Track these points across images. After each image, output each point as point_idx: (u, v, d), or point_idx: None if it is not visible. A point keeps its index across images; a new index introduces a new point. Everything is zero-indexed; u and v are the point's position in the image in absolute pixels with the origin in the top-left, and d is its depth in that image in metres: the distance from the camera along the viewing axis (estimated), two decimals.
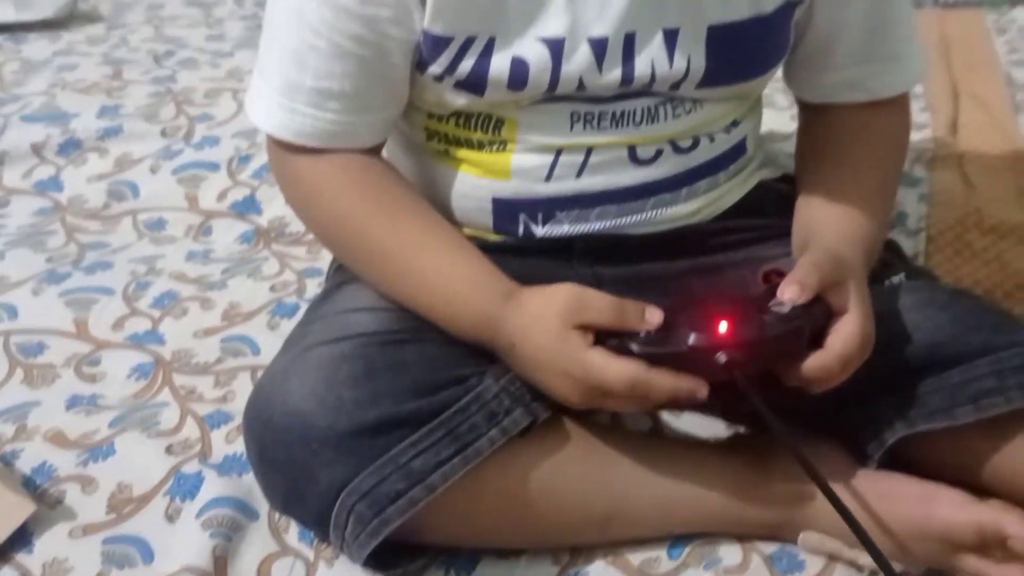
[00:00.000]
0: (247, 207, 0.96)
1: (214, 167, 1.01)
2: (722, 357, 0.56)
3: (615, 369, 0.55)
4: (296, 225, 0.93)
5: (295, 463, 0.57)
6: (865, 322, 0.57)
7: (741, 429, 0.71)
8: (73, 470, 0.69)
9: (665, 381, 0.55)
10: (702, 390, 0.55)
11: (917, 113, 1.07)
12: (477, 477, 0.58)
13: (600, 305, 0.57)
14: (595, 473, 0.62)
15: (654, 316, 0.57)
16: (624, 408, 0.59)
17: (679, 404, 0.63)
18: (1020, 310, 0.80)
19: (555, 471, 0.61)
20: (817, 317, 0.58)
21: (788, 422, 0.63)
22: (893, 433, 0.62)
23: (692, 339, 0.56)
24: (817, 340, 0.58)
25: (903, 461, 0.63)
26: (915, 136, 1.02)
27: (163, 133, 1.05)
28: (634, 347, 0.56)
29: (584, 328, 0.57)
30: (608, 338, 0.57)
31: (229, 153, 1.01)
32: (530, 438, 0.61)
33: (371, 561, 0.60)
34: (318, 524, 0.58)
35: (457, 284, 0.62)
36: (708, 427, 0.71)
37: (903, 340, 0.64)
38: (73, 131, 1.05)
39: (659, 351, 0.56)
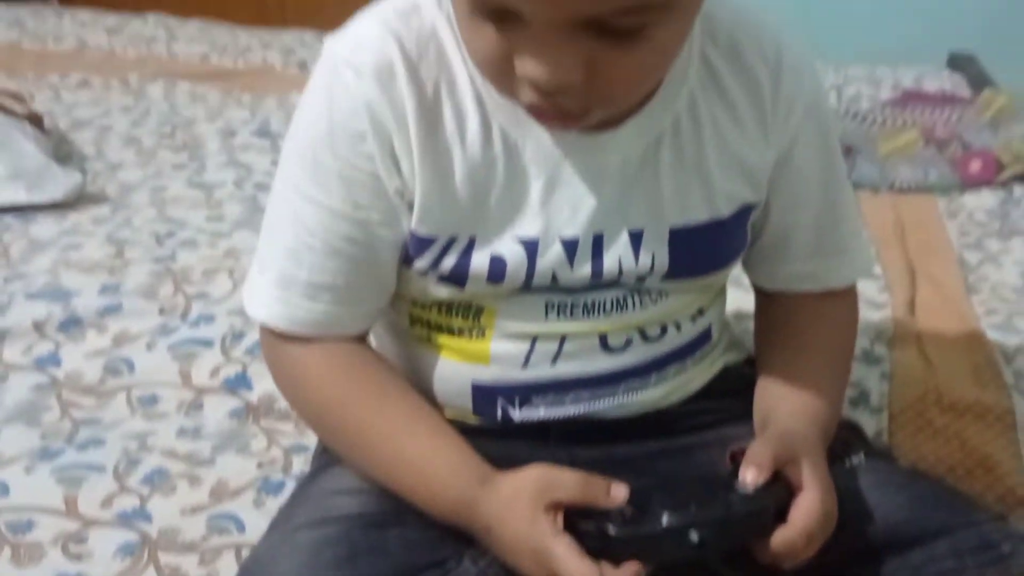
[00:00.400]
0: (238, 383, 1.00)
1: (208, 344, 1.05)
2: (695, 536, 0.59)
3: (575, 565, 0.57)
4: (284, 401, 0.96)
5: None
6: (824, 496, 0.60)
7: None
8: None
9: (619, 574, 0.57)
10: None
11: (877, 293, 1.14)
12: None
13: (568, 483, 0.60)
14: None
15: (619, 492, 0.60)
16: None
17: None
18: (980, 488, 0.83)
19: None
20: (779, 495, 0.61)
21: None
22: None
23: (665, 519, 0.59)
24: (782, 516, 0.61)
25: None
26: (875, 316, 1.08)
27: (161, 311, 1.10)
28: (611, 529, 0.59)
29: (556, 507, 0.59)
30: (584, 520, 0.60)
31: (223, 330, 1.06)
32: None
33: None
34: None
35: (437, 469, 0.65)
36: None
37: (865, 519, 0.67)
38: (74, 308, 1.10)
39: (635, 532, 0.59)
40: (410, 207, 0.65)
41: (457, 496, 0.63)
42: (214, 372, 1.01)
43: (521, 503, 0.60)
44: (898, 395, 0.94)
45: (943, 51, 1.89)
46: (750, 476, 0.60)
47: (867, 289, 1.14)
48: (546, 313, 0.69)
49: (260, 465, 0.89)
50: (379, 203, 0.65)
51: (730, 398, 0.75)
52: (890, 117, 1.49)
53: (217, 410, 0.97)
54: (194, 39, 2.11)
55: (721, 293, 0.79)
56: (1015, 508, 0.82)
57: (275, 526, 0.66)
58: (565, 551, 0.57)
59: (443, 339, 0.71)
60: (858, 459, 0.72)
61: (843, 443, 0.74)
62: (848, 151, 1.40)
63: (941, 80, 1.72)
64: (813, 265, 0.75)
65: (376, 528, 0.63)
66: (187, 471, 0.88)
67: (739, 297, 0.84)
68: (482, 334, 0.70)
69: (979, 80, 1.70)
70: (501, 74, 0.57)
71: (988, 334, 1.04)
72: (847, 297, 0.77)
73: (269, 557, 0.62)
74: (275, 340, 0.70)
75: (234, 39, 2.11)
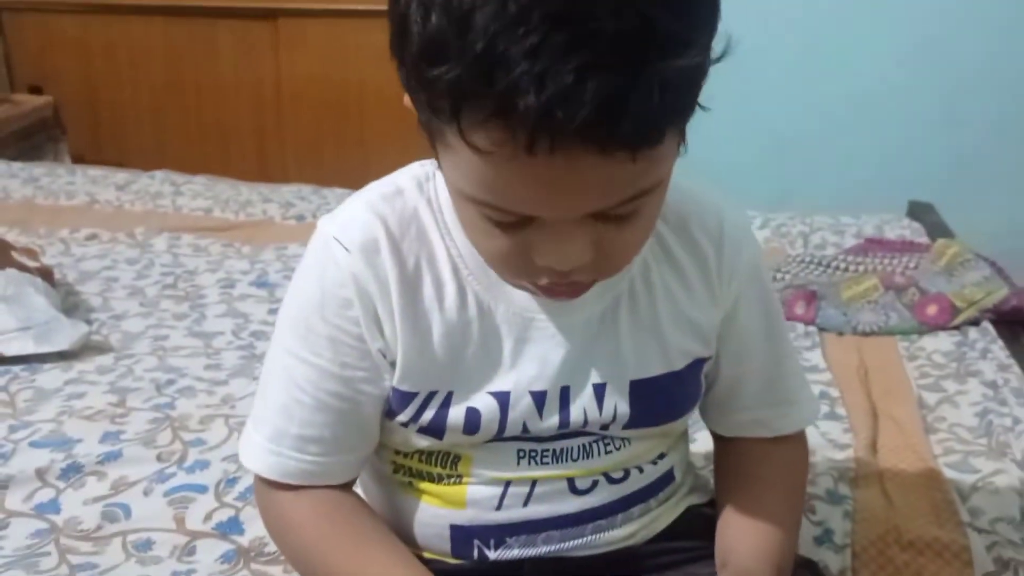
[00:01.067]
0: (230, 527, 1.04)
1: (203, 489, 1.09)
2: None
3: None
4: (274, 545, 1.00)
5: None
6: None
7: None
8: None
9: None
10: None
11: (841, 434, 1.19)
12: None
13: None
14: None
15: None
16: None
17: None
18: None
19: None
20: None
21: None
22: None
23: None
24: None
25: None
26: (838, 456, 1.14)
27: (159, 458, 1.15)
28: None
29: None
30: None
31: (217, 476, 1.11)
32: None
33: None
34: None
35: None
36: None
37: None
38: (75, 456, 1.14)
39: None
40: (392, 365, 0.72)
41: None
42: (207, 517, 1.05)
43: None
44: (861, 533, 0.99)
45: (904, 200, 2.01)
46: None
47: (832, 430, 1.20)
48: (518, 460, 0.75)
49: None
50: (364, 362, 0.72)
51: (694, 538, 0.80)
52: (852, 264, 1.59)
53: (209, 554, 1.00)
54: (198, 194, 2.23)
55: (682, 438, 0.85)
56: None
57: None
58: None
59: (423, 485, 0.77)
60: None
61: None
62: (813, 296, 1.49)
63: (901, 228, 1.82)
64: (763, 413, 0.82)
65: None
66: None
67: (709, 441, 0.90)
68: (459, 480, 0.76)
69: (936, 227, 1.81)
70: (516, 267, 0.65)
71: (945, 473, 1.09)
72: (797, 441, 0.84)
73: None
74: (267, 488, 0.76)
75: (236, 193, 2.23)
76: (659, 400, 0.76)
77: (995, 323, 1.42)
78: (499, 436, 0.74)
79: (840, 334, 1.45)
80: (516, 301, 0.73)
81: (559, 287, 0.66)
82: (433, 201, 0.73)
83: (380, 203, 0.73)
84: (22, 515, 1.06)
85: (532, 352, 0.73)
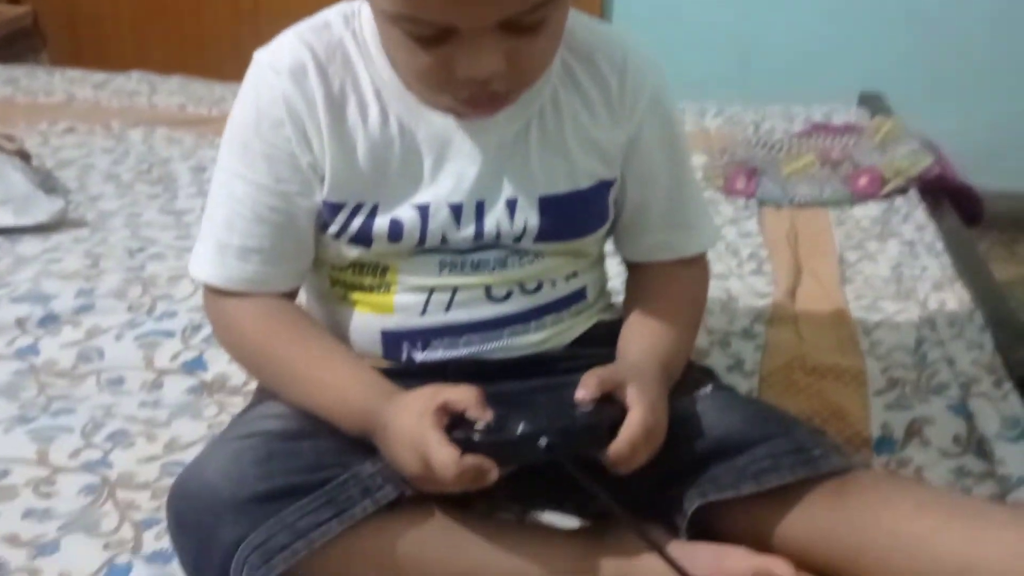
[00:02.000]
0: (195, 366, 1.13)
1: (170, 334, 1.18)
2: (543, 442, 0.73)
3: (445, 452, 0.71)
4: (237, 379, 1.09)
5: (203, 526, 0.72)
6: (646, 415, 0.74)
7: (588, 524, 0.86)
8: (23, 563, 0.82)
9: (473, 461, 0.71)
10: (493, 472, 0.71)
11: (764, 286, 1.29)
12: (352, 539, 0.72)
13: (455, 390, 0.74)
14: (453, 546, 0.76)
15: (489, 413, 0.74)
16: (446, 487, 0.73)
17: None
18: (833, 432, 0.96)
19: (419, 541, 0.75)
20: (613, 413, 0.75)
21: (619, 505, 0.79)
22: (691, 504, 0.77)
23: (520, 428, 0.73)
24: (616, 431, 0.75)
25: (708, 534, 0.78)
26: (759, 303, 1.23)
27: (129, 308, 1.24)
28: (476, 436, 0.73)
29: (442, 409, 0.73)
30: (456, 430, 0.73)
31: (184, 323, 1.19)
32: (400, 513, 0.75)
33: None
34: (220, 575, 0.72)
35: (352, 390, 0.79)
36: (565, 523, 0.86)
37: (702, 436, 0.80)
38: (52, 308, 1.23)
39: (494, 439, 0.73)
40: (322, 180, 0.80)
41: (366, 407, 0.77)
42: (174, 357, 1.15)
43: (415, 402, 0.74)
44: (769, 362, 1.08)
45: (856, 91, 2.07)
46: (579, 394, 0.74)
47: (756, 283, 1.29)
48: (440, 270, 0.83)
49: (211, 427, 1.01)
50: (296, 176, 0.80)
51: (601, 347, 0.89)
52: (795, 145, 1.66)
53: (175, 387, 1.10)
54: (173, 92, 2.28)
55: (597, 265, 0.93)
56: (861, 447, 0.96)
57: (210, 443, 0.80)
58: (439, 441, 0.71)
59: (356, 295, 0.86)
60: (705, 391, 0.86)
61: (695, 381, 0.88)
62: (754, 172, 1.57)
63: (848, 115, 1.89)
64: (666, 236, 0.90)
65: (292, 439, 0.77)
66: (145, 430, 1.01)
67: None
68: (387, 289, 0.84)
69: (883, 114, 1.88)
70: (438, 83, 0.73)
71: (853, 314, 1.18)
72: (698, 264, 0.92)
73: (201, 459, 0.76)
74: (214, 297, 0.85)
75: (210, 91, 2.28)
76: (566, 217, 0.85)
77: (921, 191, 1.50)
78: (421, 246, 0.82)
79: (778, 207, 1.53)
80: (435, 123, 0.80)
81: (480, 99, 0.74)
82: (358, 34, 0.80)
83: (308, 33, 0.80)
84: (4, 358, 1.15)
85: (450, 169, 0.81)
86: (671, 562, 0.71)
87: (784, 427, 0.81)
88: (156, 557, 0.82)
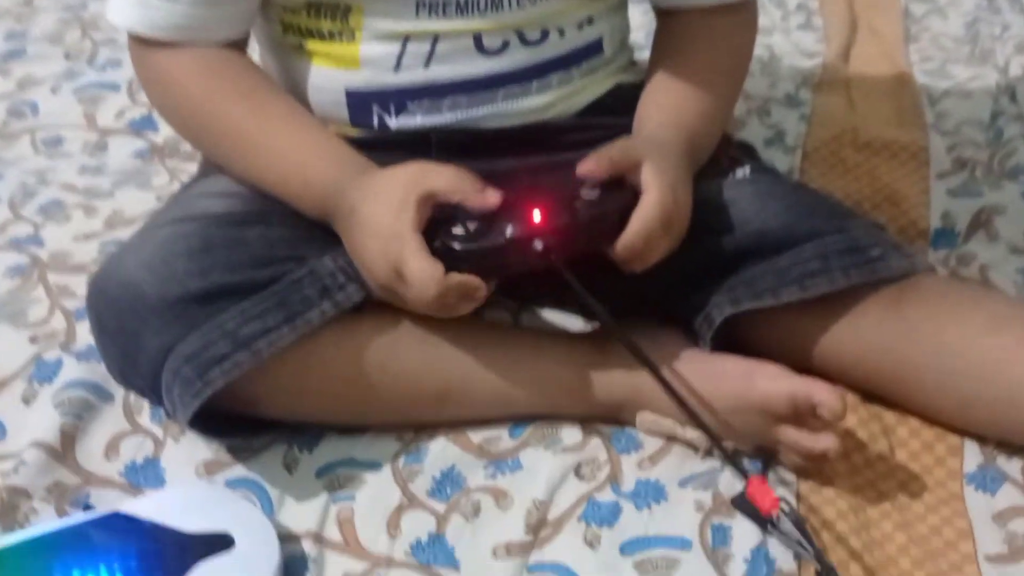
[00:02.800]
0: (144, 125, 0.97)
1: (115, 88, 1.02)
2: (539, 244, 0.58)
3: (424, 263, 0.57)
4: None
5: (126, 331, 0.59)
6: (664, 199, 0.59)
7: (595, 325, 0.74)
8: None
9: (459, 279, 0.58)
10: (481, 291, 0.58)
11: (813, 43, 1.09)
12: (310, 350, 0.60)
13: (444, 174, 0.59)
14: (430, 352, 0.64)
15: (493, 196, 0.59)
16: (414, 305, 0.60)
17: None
18: (885, 220, 0.82)
19: (389, 349, 0.63)
20: (622, 200, 0.60)
21: (630, 310, 0.66)
22: (721, 313, 0.64)
23: (509, 231, 0.58)
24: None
25: (737, 345, 0.65)
26: (806, 63, 1.05)
27: (67, 56, 1.06)
28: (456, 245, 0.58)
29: (426, 200, 0.58)
30: (435, 239, 0.59)
31: (130, 75, 1.02)
32: (365, 317, 0.62)
33: (213, 431, 0.62)
34: (151, 391, 0.60)
35: (314, 158, 0.64)
36: (567, 323, 0.74)
37: (738, 228, 0.66)
38: None
39: (480, 246, 0.58)
40: None
41: (329, 180, 0.62)
42: (119, 114, 0.99)
43: (393, 188, 0.59)
44: (815, 135, 0.92)
45: None
46: (582, 168, 0.59)
47: (803, 40, 1.10)
48: (416, 11, 0.65)
49: (159, 198, 0.87)
50: None
51: (620, 116, 0.73)
52: None
53: (121, 150, 0.95)
54: None
55: (618, 9, 0.75)
56: (916, 239, 0.82)
57: (138, 229, 0.66)
58: (418, 249, 0.57)
59: (314, 45, 0.68)
60: (742, 173, 0.71)
61: (731, 160, 0.72)
62: None
63: None
64: None
65: (236, 226, 0.63)
66: (84, 202, 0.87)
67: None
68: (352, 36, 0.67)
69: None
70: None
71: (919, 80, 1.00)
72: (741, 15, 0.73)
73: (124, 250, 0.62)
74: (142, 50, 0.68)
75: None
76: None
77: None
78: None
79: None
80: None
81: None
82: None
83: None
84: None
85: None
86: (666, 385, 0.59)
87: (837, 221, 0.66)
88: (91, 354, 0.70)
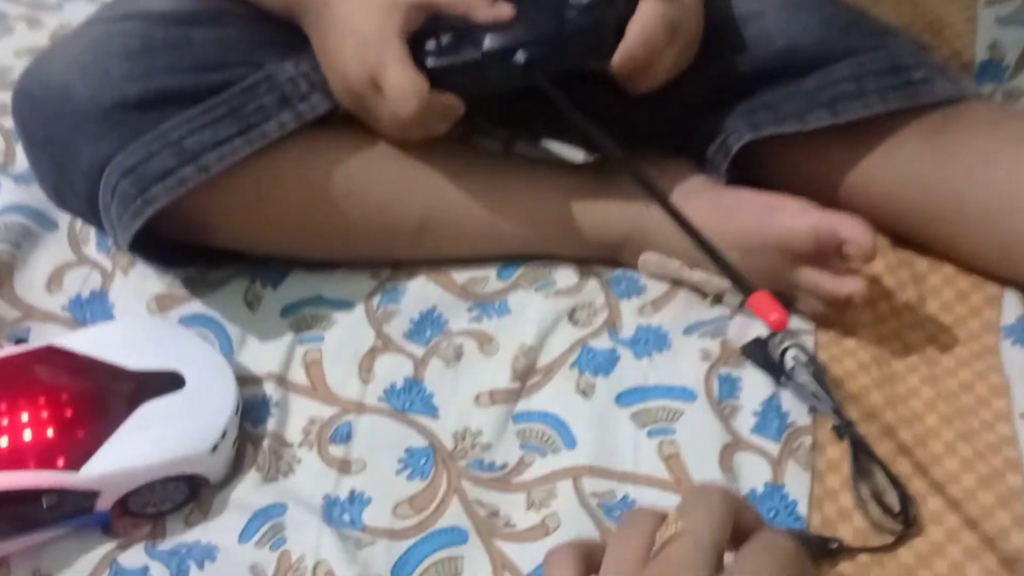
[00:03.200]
0: None
1: None
2: (521, 57, 0.50)
3: (408, 77, 0.49)
4: None
5: (57, 141, 0.51)
6: (668, 4, 0.51)
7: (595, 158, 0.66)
8: None
9: (445, 100, 0.51)
10: (459, 110, 0.52)
11: None
12: (267, 168, 0.53)
13: None
14: (408, 176, 0.56)
15: (506, 8, 0.51)
16: (385, 121, 0.53)
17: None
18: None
19: (361, 171, 0.55)
20: (621, 7, 0.51)
21: (636, 140, 0.58)
22: (739, 139, 0.56)
23: (487, 42, 0.50)
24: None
25: (756, 178, 0.58)
26: None
27: None
28: (430, 61, 0.51)
29: (418, 9, 0.50)
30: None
31: None
32: (331, 132, 0.54)
33: (162, 260, 0.56)
34: (88, 209, 0.53)
35: None
36: (565, 154, 0.66)
37: (761, 43, 0.57)
38: None
39: (453, 61, 0.51)
40: None
41: None
42: None
43: None
44: None
45: None
46: None
47: None
48: None
49: None
50: None
51: None
52: None
53: None
54: None
55: None
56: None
57: (72, 29, 0.57)
58: (403, 54, 0.49)
59: None
60: None
61: None
62: None
63: None
64: None
65: (182, 25, 0.54)
66: (28, 14, 0.78)
67: None
68: None
69: None
70: None
71: None
72: None
73: (52, 50, 0.54)
74: None
75: None
76: None
77: None
78: None
79: None
80: None
81: None
82: None
83: None
84: None
85: None
86: (674, 213, 0.51)
87: (876, 38, 0.57)
88: (32, 178, 0.63)
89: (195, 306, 0.57)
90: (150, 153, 0.50)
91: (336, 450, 0.52)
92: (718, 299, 0.59)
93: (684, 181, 0.58)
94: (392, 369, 0.55)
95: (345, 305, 0.58)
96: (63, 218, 0.61)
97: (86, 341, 0.50)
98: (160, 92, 0.50)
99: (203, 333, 0.56)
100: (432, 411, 0.53)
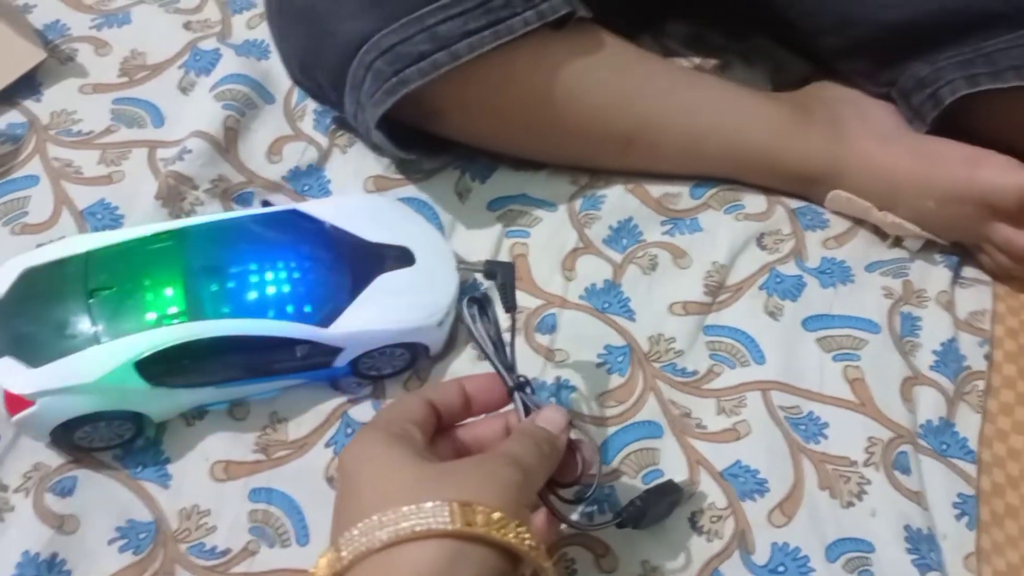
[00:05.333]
0: None
1: None
2: None
3: None
4: None
5: (316, 13, 0.54)
6: None
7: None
8: (87, 32, 0.67)
9: None
10: None
11: None
12: (505, 61, 0.54)
13: None
14: (624, 87, 0.58)
15: None
16: None
17: None
18: None
19: (584, 74, 0.57)
20: None
21: (844, 68, 0.60)
22: (952, 92, 0.57)
23: None
24: None
25: (959, 128, 0.59)
26: None
27: None
28: None
29: None
30: None
31: None
32: (565, 35, 0.56)
33: (389, 141, 0.58)
34: (334, 83, 0.55)
35: None
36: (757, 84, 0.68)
37: None
38: None
39: None
40: None
41: None
42: None
43: None
44: None
45: None
46: None
47: None
48: None
49: None
50: None
51: None
52: None
53: None
54: None
55: None
56: None
57: None
58: None
59: None
60: None
61: None
62: None
63: None
64: None
65: None
66: None
67: None
68: None
69: None
70: None
71: None
72: None
73: None
74: None
75: None
76: None
77: None
78: None
79: None
80: None
81: None
82: None
83: None
84: None
85: None
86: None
87: None
88: (249, 50, 0.66)
89: (409, 190, 0.60)
90: (406, 36, 0.52)
91: (542, 339, 0.55)
92: (897, 242, 0.61)
93: (884, 126, 0.60)
94: (592, 270, 0.58)
95: (549, 205, 0.61)
96: (280, 91, 0.64)
97: (326, 210, 0.53)
98: None
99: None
100: (629, 314, 0.57)
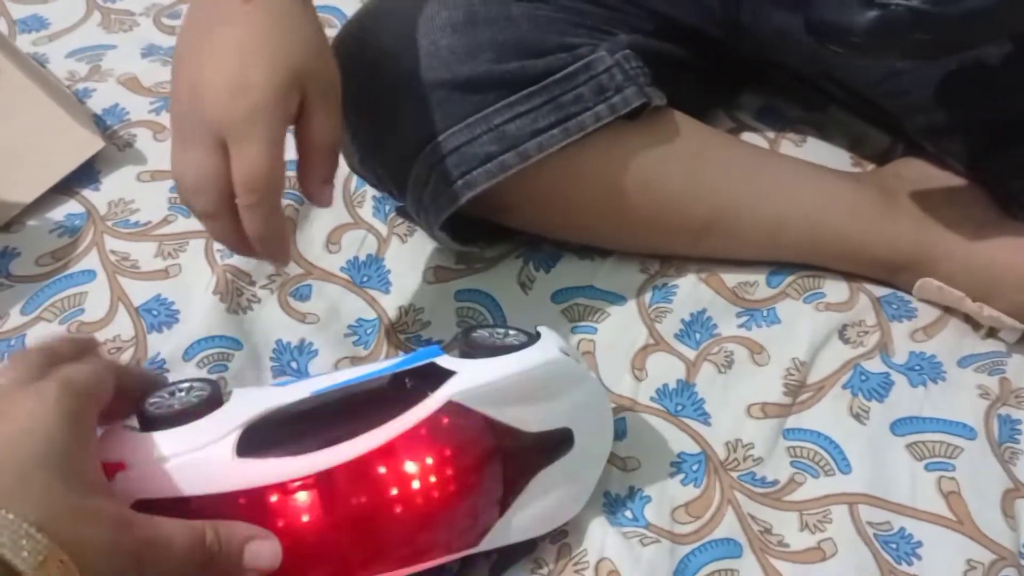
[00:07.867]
0: None
1: None
2: None
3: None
4: None
5: (379, 107, 0.52)
6: None
7: (869, 167, 0.64)
8: (145, 116, 0.66)
9: None
10: None
11: None
12: (574, 156, 0.52)
13: None
14: (702, 174, 0.55)
15: None
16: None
17: None
18: None
19: (659, 164, 0.54)
20: None
21: (932, 147, 0.56)
22: None
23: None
24: None
25: None
26: None
27: None
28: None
29: None
30: None
31: None
32: (638, 124, 0.54)
33: (446, 231, 0.56)
34: (396, 180, 0.53)
35: None
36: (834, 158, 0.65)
37: None
38: None
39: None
40: None
41: None
42: None
43: None
44: None
45: None
46: None
47: None
48: None
49: None
50: None
51: None
52: None
53: None
54: None
55: None
56: None
57: None
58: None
59: None
60: None
61: None
62: None
63: None
64: None
65: (502, 3, 0.53)
66: None
67: None
68: None
69: None
70: None
71: None
72: None
73: (378, 11, 0.53)
74: None
75: None
76: None
77: None
78: None
79: None
80: None
81: None
82: None
83: None
84: None
85: None
86: None
87: None
88: None
89: (471, 281, 0.58)
90: (473, 136, 0.50)
91: (614, 447, 0.52)
92: (991, 332, 0.57)
93: (978, 213, 0.56)
94: (664, 369, 0.55)
95: (617, 298, 0.58)
96: (339, 176, 0.62)
97: (481, 396, 0.42)
98: (484, 75, 0.50)
99: (477, 310, 0.56)
100: (704, 417, 0.53)
